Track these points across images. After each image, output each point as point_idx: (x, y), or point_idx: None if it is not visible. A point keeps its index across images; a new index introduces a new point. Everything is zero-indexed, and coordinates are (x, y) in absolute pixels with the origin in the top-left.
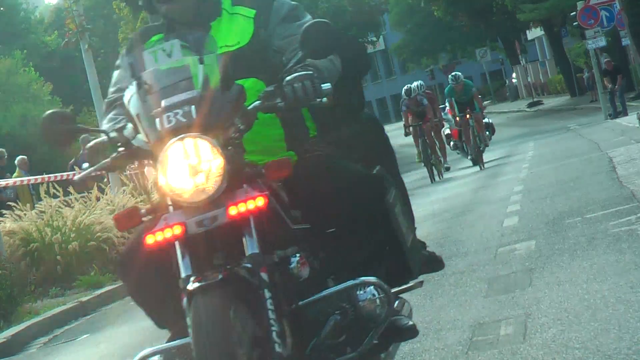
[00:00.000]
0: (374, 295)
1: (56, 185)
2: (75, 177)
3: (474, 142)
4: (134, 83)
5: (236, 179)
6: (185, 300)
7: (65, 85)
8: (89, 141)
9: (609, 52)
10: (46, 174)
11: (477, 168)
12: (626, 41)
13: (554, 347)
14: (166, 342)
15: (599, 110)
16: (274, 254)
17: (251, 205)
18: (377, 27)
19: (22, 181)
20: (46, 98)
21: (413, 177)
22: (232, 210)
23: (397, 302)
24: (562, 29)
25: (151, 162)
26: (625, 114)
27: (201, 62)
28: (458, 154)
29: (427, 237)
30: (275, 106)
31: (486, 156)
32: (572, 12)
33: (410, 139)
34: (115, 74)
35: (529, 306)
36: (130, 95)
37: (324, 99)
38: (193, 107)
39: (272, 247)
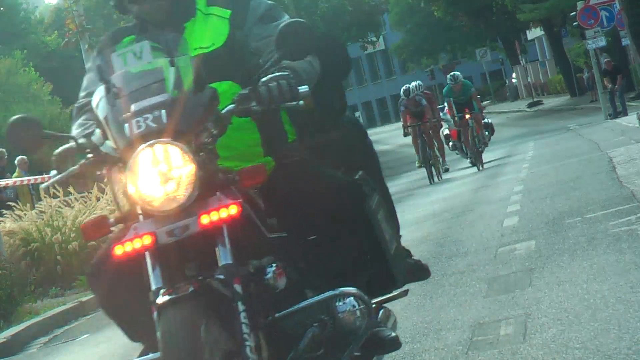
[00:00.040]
0: (353, 306)
1: (56, 185)
2: (42, 185)
3: (472, 144)
4: (103, 87)
5: (209, 186)
6: (155, 314)
7: (65, 85)
8: None
9: (609, 52)
10: (46, 174)
11: (476, 169)
12: (626, 41)
13: (554, 347)
14: (138, 357)
15: (599, 110)
16: (249, 264)
17: (224, 213)
18: (377, 27)
19: (22, 181)
20: (46, 98)
21: (413, 177)
22: (204, 219)
23: (381, 311)
24: (562, 29)
25: (120, 169)
26: (625, 114)
27: (172, 64)
28: (457, 154)
29: (427, 237)
30: (250, 110)
31: (486, 156)
32: (572, 12)
33: (409, 139)
34: (86, 77)
35: (529, 306)
36: (98, 100)
37: (301, 102)
38: (164, 111)
39: (246, 257)
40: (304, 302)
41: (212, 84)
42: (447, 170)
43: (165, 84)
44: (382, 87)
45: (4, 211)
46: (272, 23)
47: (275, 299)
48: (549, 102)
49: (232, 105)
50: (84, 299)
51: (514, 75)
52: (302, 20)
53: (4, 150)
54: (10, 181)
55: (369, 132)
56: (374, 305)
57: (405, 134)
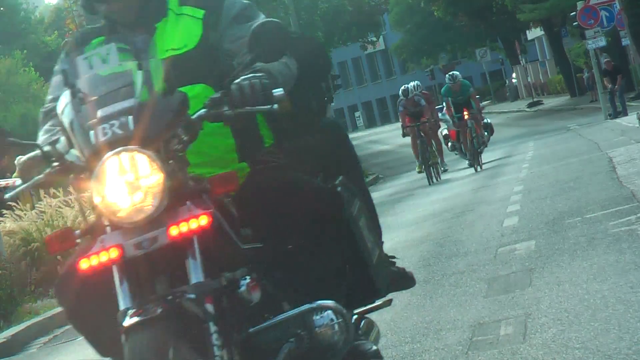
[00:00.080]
0: (332, 320)
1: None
2: (6, 195)
3: (470, 145)
4: (68, 92)
5: (179, 196)
6: (122, 336)
7: None
8: None
9: (609, 52)
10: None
11: (478, 168)
12: (626, 41)
13: (554, 347)
14: None
15: (599, 110)
16: (222, 277)
17: (194, 224)
18: (377, 27)
19: None
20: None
21: (413, 177)
22: (174, 231)
23: (363, 322)
24: (562, 29)
25: (86, 178)
26: (625, 114)
27: (140, 67)
28: (456, 154)
29: (427, 237)
30: (222, 115)
31: (485, 156)
32: (572, 12)
33: (409, 139)
34: (54, 80)
35: (529, 306)
36: (64, 105)
37: (275, 106)
38: (130, 117)
39: (219, 270)
40: (279, 316)
41: (185, 87)
42: (445, 170)
43: (133, 88)
44: (382, 87)
45: (4, 211)
46: (247, 23)
47: (250, 313)
48: (549, 102)
49: (204, 110)
50: None
51: (514, 75)
52: (276, 20)
53: None
54: (10, 181)
55: (369, 132)
56: (355, 316)
57: (404, 135)
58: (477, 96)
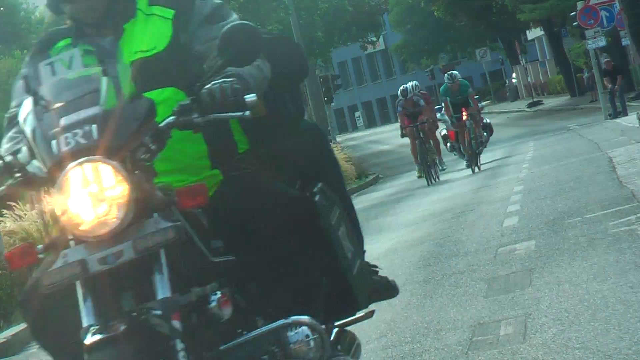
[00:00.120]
0: (307, 336)
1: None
2: None
3: (468, 146)
4: (30, 99)
5: (145, 208)
6: (85, 355)
7: None
8: None
9: (609, 52)
10: None
11: (476, 169)
12: (626, 41)
13: (554, 347)
14: None
15: (599, 110)
16: (191, 293)
17: (161, 237)
18: (377, 27)
19: None
20: None
21: (413, 177)
22: (140, 244)
23: (343, 335)
24: (562, 29)
25: (49, 190)
26: (625, 114)
27: (105, 73)
28: (455, 155)
29: (427, 237)
30: (192, 122)
31: (485, 157)
32: (572, 12)
33: (408, 140)
34: (17, 85)
35: (529, 306)
36: (25, 113)
37: (247, 113)
38: (94, 126)
39: (188, 285)
40: (252, 333)
41: (154, 90)
42: (444, 169)
43: (98, 94)
44: (382, 87)
45: (4, 211)
46: (219, 23)
47: (221, 329)
48: (549, 102)
49: (172, 118)
50: None
51: (514, 75)
52: (247, 22)
53: None
54: None
55: (369, 132)
56: (335, 329)
57: (403, 135)
58: (476, 96)
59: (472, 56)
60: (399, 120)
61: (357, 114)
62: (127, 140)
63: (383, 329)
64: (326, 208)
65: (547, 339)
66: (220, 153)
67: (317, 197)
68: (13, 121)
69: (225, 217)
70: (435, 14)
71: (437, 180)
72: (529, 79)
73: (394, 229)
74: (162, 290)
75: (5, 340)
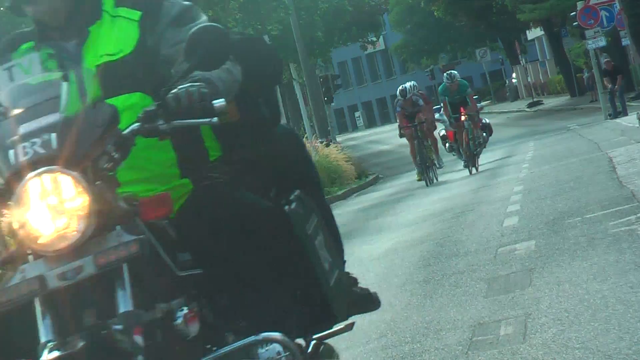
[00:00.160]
0: (278, 353)
1: None
2: None
3: (466, 147)
4: None
5: (107, 220)
6: None
7: None
8: None
9: (609, 52)
10: None
11: (474, 170)
12: (626, 41)
13: (554, 347)
14: None
15: (599, 110)
16: (156, 309)
17: (124, 251)
18: (377, 27)
19: None
20: None
21: (413, 177)
22: (101, 259)
23: (321, 348)
24: (562, 29)
25: (5, 202)
26: (625, 114)
27: (66, 78)
28: (454, 155)
29: (427, 237)
30: (157, 129)
31: (485, 157)
32: (572, 12)
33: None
34: None
35: (529, 306)
36: None
37: (215, 119)
38: (54, 135)
39: (153, 300)
40: (221, 350)
41: (121, 96)
42: (441, 167)
43: (59, 101)
44: (382, 87)
45: (5, 211)
46: (187, 26)
47: (190, 346)
48: (549, 102)
49: (136, 125)
50: None
51: (514, 75)
52: (216, 24)
53: None
54: None
55: (369, 132)
56: (314, 342)
57: (401, 135)
58: (475, 97)
59: (472, 56)
60: (397, 121)
61: (357, 114)
62: (89, 148)
63: (383, 329)
64: (302, 217)
65: (547, 339)
66: (191, 161)
67: (293, 205)
68: None
69: (193, 228)
70: (435, 14)
71: (436, 180)
72: (529, 79)
73: (394, 229)
74: (124, 305)
75: None
